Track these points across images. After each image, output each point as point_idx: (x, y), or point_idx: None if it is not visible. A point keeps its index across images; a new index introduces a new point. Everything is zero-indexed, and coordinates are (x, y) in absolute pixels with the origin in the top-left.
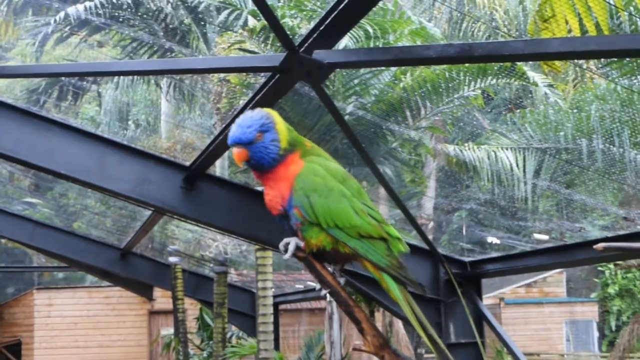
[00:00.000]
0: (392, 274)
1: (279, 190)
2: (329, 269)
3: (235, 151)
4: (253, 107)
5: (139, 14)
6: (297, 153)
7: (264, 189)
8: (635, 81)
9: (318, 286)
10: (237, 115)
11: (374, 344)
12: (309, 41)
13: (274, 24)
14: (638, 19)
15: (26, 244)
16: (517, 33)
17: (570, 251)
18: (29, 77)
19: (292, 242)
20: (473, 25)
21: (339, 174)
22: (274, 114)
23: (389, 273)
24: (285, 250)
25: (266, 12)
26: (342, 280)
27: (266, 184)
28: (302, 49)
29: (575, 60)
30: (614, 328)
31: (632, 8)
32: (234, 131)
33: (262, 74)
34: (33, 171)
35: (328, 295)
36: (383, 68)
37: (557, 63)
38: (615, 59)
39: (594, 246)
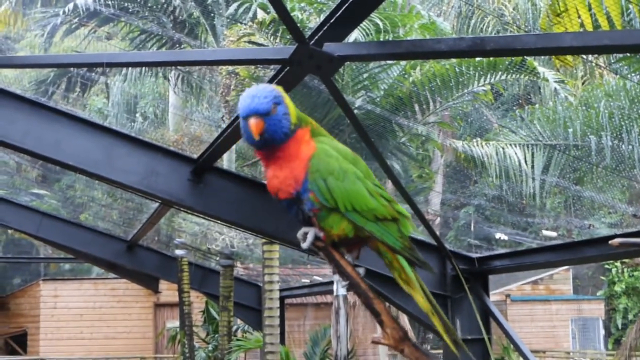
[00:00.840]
0: (406, 255)
1: (291, 171)
2: (349, 259)
3: (253, 122)
4: None
5: (148, 5)
6: (307, 130)
7: (267, 170)
8: None
9: (337, 277)
10: None
11: (393, 337)
12: (319, 34)
13: (285, 16)
14: None
15: (33, 235)
16: (526, 29)
17: (578, 248)
18: (38, 68)
19: (311, 231)
20: (482, 20)
21: (349, 154)
22: (280, 88)
23: (403, 255)
24: (304, 240)
25: (277, 3)
26: (361, 271)
27: (273, 164)
28: (312, 42)
29: (587, 56)
30: (620, 326)
31: None
32: (249, 102)
33: (272, 66)
34: (41, 162)
35: (347, 286)
36: (392, 62)
37: (569, 58)
38: (627, 55)
39: (610, 242)
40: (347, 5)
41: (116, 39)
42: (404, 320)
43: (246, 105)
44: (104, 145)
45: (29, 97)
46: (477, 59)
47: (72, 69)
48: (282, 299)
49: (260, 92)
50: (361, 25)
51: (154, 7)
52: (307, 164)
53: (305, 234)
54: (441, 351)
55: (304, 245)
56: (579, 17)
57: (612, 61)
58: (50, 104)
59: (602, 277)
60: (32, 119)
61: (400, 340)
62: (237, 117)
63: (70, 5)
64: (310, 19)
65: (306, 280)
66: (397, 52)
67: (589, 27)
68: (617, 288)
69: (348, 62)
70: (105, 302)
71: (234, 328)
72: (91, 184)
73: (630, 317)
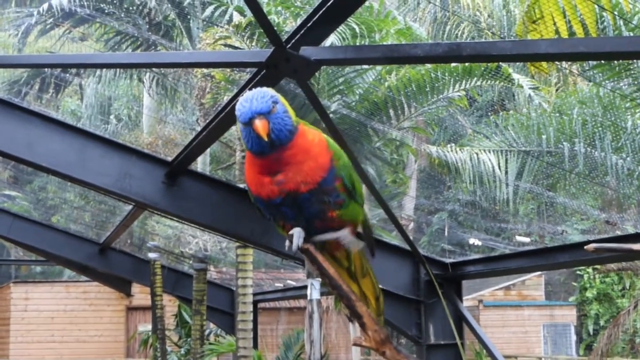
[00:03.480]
0: (373, 241)
1: (314, 161)
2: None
3: (259, 123)
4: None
5: (124, 7)
6: (303, 125)
7: (276, 176)
8: (621, 84)
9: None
10: (222, 110)
11: (375, 339)
12: (296, 37)
13: (262, 19)
14: (622, 25)
15: (4, 236)
16: (501, 35)
17: (550, 254)
18: (11, 68)
19: (297, 232)
20: (457, 27)
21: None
22: (271, 89)
23: (371, 241)
24: (291, 242)
25: (254, 7)
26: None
27: (285, 167)
28: (289, 45)
29: (561, 63)
30: (591, 332)
31: (616, 12)
32: (248, 105)
33: (247, 70)
34: (12, 163)
35: (329, 288)
36: (368, 67)
37: (544, 64)
38: (601, 62)
39: (585, 247)
40: (324, 9)
41: (91, 40)
42: None
43: (247, 109)
44: (77, 146)
45: (1, 98)
46: (453, 64)
47: (46, 69)
48: (255, 303)
49: (256, 94)
50: (337, 29)
51: (130, 8)
52: (329, 151)
53: (291, 235)
54: (415, 355)
55: (293, 246)
56: (555, 24)
57: (587, 68)
58: (23, 105)
59: (574, 283)
60: (5, 120)
61: (381, 342)
62: (212, 120)
63: (45, 6)
64: (287, 23)
65: (279, 285)
66: (374, 57)
67: (564, 34)
68: (589, 294)
69: (324, 67)
70: (77, 305)
71: (207, 332)
72: (64, 185)
73: (601, 322)
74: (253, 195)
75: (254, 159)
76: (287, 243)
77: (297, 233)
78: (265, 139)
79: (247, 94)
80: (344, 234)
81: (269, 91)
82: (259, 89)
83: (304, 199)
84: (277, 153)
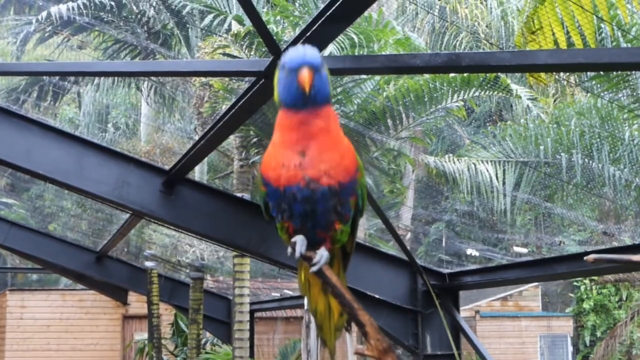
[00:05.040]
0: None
1: (341, 158)
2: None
3: (306, 72)
4: (236, 112)
5: (122, 16)
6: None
7: (302, 145)
8: (619, 95)
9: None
10: (220, 119)
11: (377, 348)
12: None
13: (261, 29)
14: (620, 36)
15: (0, 244)
16: (500, 45)
17: (548, 265)
18: (9, 75)
19: (299, 240)
20: (456, 37)
21: None
22: None
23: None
24: (293, 250)
25: (254, 16)
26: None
27: (313, 140)
28: None
29: (560, 73)
30: (588, 343)
31: (614, 23)
32: (302, 53)
33: (246, 78)
34: (10, 171)
35: (332, 295)
36: (366, 77)
37: (543, 75)
38: (600, 73)
39: (585, 257)
40: (322, 19)
41: (89, 48)
42: None
43: (299, 56)
44: (75, 154)
45: (0, 105)
46: (451, 75)
47: (44, 77)
48: (251, 312)
49: (309, 48)
50: (336, 39)
51: (129, 17)
52: (356, 160)
53: (294, 243)
54: None
55: (296, 254)
56: (554, 34)
57: (585, 79)
58: (21, 112)
59: (571, 294)
60: (3, 128)
61: (384, 351)
62: (210, 129)
63: (44, 14)
64: (285, 32)
65: (276, 294)
66: (373, 67)
67: (563, 45)
68: (586, 305)
69: None
70: (73, 314)
71: (203, 341)
72: (61, 193)
73: (598, 334)
74: (268, 184)
75: (283, 131)
76: (289, 250)
77: (300, 241)
78: (307, 90)
79: (298, 47)
80: (325, 253)
81: (318, 50)
82: (304, 46)
83: (321, 197)
84: (308, 113)
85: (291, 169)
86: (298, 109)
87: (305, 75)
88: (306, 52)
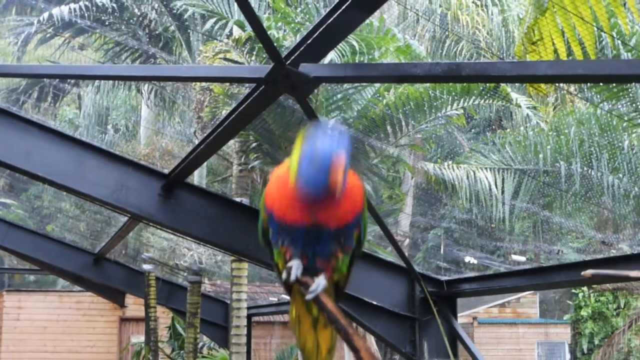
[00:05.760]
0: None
1: (352, 202)
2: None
3: (340, 177)
4: (236, 118)
5: (124, 18)
6: None
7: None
8: (620, 107)
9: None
10: (220, 124)
11: None
12: (296, 54)
13: (262, 36)
14: (620, 45)
15: None
16: (499, 53)
17: (546, 273)
18: (10, 77)
19: (295, 263)
20: (456, 44)
21: None
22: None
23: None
24: (288, 274)
25: (255, 23)
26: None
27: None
28: (289, 62)
29: (561, 83)
30: (585, 350)
31: (614, 33)
32: (337, 147)
33: (246, 84)
34: (8, 171)
35: (328, 321)
36: (366, 84)
37: (543, 86)
38: (600, 84)
39: (582, 273)
40: (324, 27)
41: (90, 49)
42: (371, 340)
43: (332, 152)
44: (75, 157)
45: (0, 106)
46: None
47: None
48: (249, 316)
49: (342, 142)
50: (337, 46)
51: (130, 19)
52: (363, 198)
53: (289, 267)
54: None
55: (292, 277)
56: (554, 44)
57: (584, 88)
58: (21, 114)
59: (569, 302)
60: (2, 129)
61: None
62: (210, 134)
63: (45, 15)
64: (286, 38)
65: (274, 299)
66: (374, 75)
67: (563, 55)
68: (584, 312)
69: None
70: (70, 315)
71: (200, 345)
72: (59, 194)
73: (596, 341)
74: (273, 218)
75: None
76: (284, 274)
77: (296, 264)
78: (337, 194)
79: (332, 132)
80: (323, 282)
81: (349, 138)
82: (342, 130)
83: (328, 234)
84: (325, 199)
85: (299, 211)
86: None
87: (338, 178)
88: (340, 145)
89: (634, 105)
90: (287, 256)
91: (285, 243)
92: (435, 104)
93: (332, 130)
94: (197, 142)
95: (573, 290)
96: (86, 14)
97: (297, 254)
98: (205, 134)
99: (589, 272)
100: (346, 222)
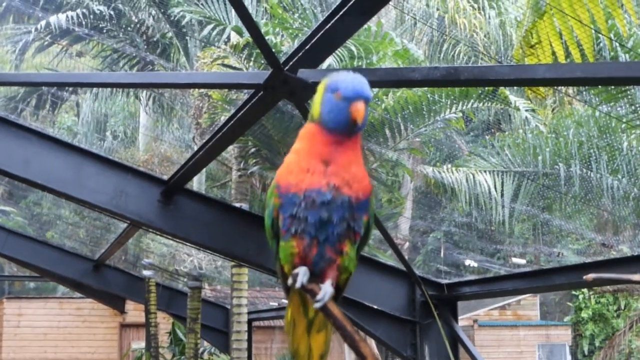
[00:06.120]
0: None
1: (362, 172)
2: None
3: (362, 107)
4: (235, 124)
5: (121, 25)
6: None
7: (333, 155)
8: (619, 108)
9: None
10: (219, 130)
11: None
12: (294, 60)
13: (260, 42)
14: (618, 46)
15: None
16: (497, 56)
17: (547, 276)
18: (8, 85)
19: (302, 271)
20: (454, 47)
21: None
22: None
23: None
24: (294, 280)
25: (253, 29)
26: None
27: (341, 151)
28: (287, 67)
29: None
30: (586, 352)
31: (612, 34)
32: (360, 83)
33: (245, 90)
34: (7, 179)
35: (334, 327)
36: None
37: (541, 89)
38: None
39: (584, 277)
40: (322, 32)
41: (88, 56)
42: (372, 344)
43: (356, 87)
44: (74, 164)
45: None
46: None
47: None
48: (249, 321)
49: (364, 82)
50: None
51: (128, 26)
52: (370, 185)
53: (295, 274)
54: None
55: (297, 283)
56: (551, 46)
57: (582, 90)
58: (19, 122)
59: (569, 304)
60: (1, 137)
61: None
62: (209, 140)
63: (43, 23)
64: (284, 43)
65: (274, 303)
66: (372, 80)
67: (561, 58)
68: (584, 314)
69: None
70: (70, 322)
71: (201, 350)
72: (58, 201)
73: (596, 343)
74: (288, 194)
75: (310, 142)
76: (289, 281)
77: (303, 271)
78: (360, 124)
79: (354, 76)
80: (330, 289)
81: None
82: (359, 76)
83: (340, 205)
84: (344, 138)
85: (315, 174)
86: (338, 133)
87: (361, 110)
88: (363, 84)
89: (632, 106)
90: (298, 252)
91: (299, 230)
92: (433, 107)
93: (355, 74)
94: (195, 148)
95: (573, 292)
96: (83, 22)
97: (306, 246)
98: (204, 140)
99: (590, 276)
100: (357, 193)
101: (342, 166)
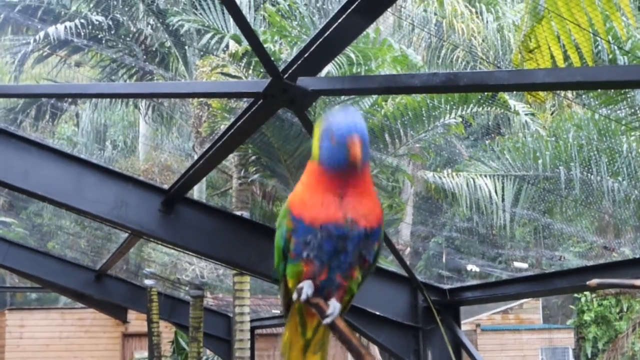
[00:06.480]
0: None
1: (374, 203)
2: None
3: (358, 146)
4: (235, 133)
5: (119, 35)
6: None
7: (341, 192)
8: (619, 112)
9: None
10: (219, 139)
11: None
12: (293, 68)
13: (259, 50)
14: (617, 49)
15: None
16: (496, 61)
17: (549, 280)
18: (7, 97)
19: (306, 284)
20: (452, 52)
21: None
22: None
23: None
24: (299, 294)
25: (252, 38)
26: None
27: (352, 190)
28: (286, 76)
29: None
30: (589, 355)
31: (610, 37)
32: (352, 121)
33: (245, 98)
34: (7, 189)
35: (340, 342)
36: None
37: (541, 93)
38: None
39: (587, 282)
40: (321, 40)
41: (86, 66)
42: (375, 350)
43: (349, 125)
44: (74, 174)
45: None
46: None
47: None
48: (252, 329)
49: (357, 115)
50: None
51: (126, 36)
52: (382, 209)
53: (300, 288)
54: None
55: (302, 296)
56: (550, 50)
57: (581, 93)
58: (19, 132)
59: (572, 306)
60: (1, 148)
61: None
62: (209, 149)
63: (42, 34)
64: (283, 50)
65: (276, 311)
66: (371, 87)
67: (560, 62)
68: (587, 317)
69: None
70: (73, 332)
71: (204, 359)
72: (59, 212)
73: (599, 346)
74: (303, 223)
75: (319, 179)
76: (294, 296)
77: (308, 284)
78: (358, 163)
79: (347, 111)
80: (338, 305)
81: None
82: (353, 109)
83: (356, 237)
84: (349, 174)
85: (331, 207)
86: (341, 171)
87: (357, 149)
88: (355, 121)
89: (632, 109)
90: (304, 273)
91: (311, 255)
92: (433, 113)
93: (346, 111)
94: (196, 156)
95: (576, 295)
96: (82, 32)
97: (316, 270)
98: (204, 149)
99: (594, 281)
100: (372, 226)
101: (356, 198)
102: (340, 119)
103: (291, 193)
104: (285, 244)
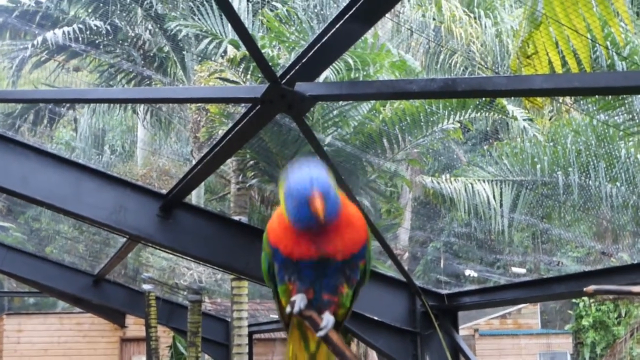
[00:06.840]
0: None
1: (356, 232)
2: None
3: (319, 202)
4: (233, 138)
5: (117, 40)
6: (341, 195)
7: (317, 238)
8: (617, 118)
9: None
10: (217, 144)
11: None
12: (291, 73)
13: (257, 55)
14: (615, 54)
15: None
16: (494, 66)
17: (547, 285)
18: (5, 103)
19: (299, 298)
20: (451, 57)
21: None
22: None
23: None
24: (292, 307)
25: (250, 43)
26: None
27: (327, 231)
28: (284, 81)
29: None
30: None
31: (608, 43)
32: (309, 177)
33: (243, 104)
34: (5, 194)
35: (333, 354)
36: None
37: (539, 99)
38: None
39: (585, 289)
40: (318, 45)
41: (84, 71)
42: (373, 356)
43: (306, 183)
44: (72, 179)
45: None
46: None
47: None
48: (250, 334)
49: (315, 170)
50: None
51: (124, 41)
52: (367, 230)
53: (293, 302)
54: None
55: (295, 309)
56: (548, 55)
57: (580, 99)
58: (17, 137)
59: (570, 311)
60: None
61: None
62: (207, 154)
63: (40, 39)
64: (281, 55)
65: (275, 316)
66: (369, 93)
67: (558, 68)
68: (585, 322)
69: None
70: (71, 337)
71: None
72: (57, 216)
73: (598, 350)
74: (280, 254)
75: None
76: (288, 309)
77: (300, 297)
78: (322, 219)
79: (304, 165)
80: (331, 318)
81: (324, 168)
82: (314, 163)
83: (334, 267)
84: (319, 227)
85: (305, 245)
86: (312, 230)
87: (319, 206)
88: (312, 176)
89: (630, 114)
90: (292, 292)
91: (292, 279)
92: (431, 118)
93: (305, 164)
94: (194, 161)
95: (574, 300)
96: (80, 37)
97: (302, 289)
98: (202, 154)
99: (591, 288)
100: (352, 253)
101: (332, 232)
102: (298, 177)
103: (270, 220)
104: (270, 267)
